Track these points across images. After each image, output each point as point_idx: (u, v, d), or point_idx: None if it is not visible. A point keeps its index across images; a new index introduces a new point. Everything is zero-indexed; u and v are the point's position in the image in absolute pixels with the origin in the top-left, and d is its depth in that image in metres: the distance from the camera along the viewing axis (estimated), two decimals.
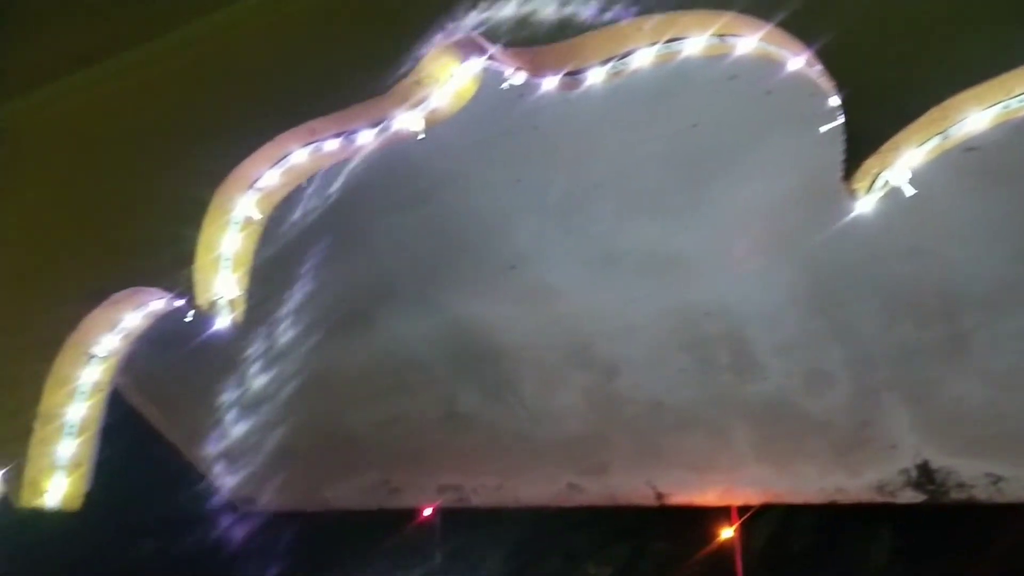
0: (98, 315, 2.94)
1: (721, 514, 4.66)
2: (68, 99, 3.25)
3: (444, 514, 5.43)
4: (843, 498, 4.05)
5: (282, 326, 4.01)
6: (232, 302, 2.78)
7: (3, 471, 2.88)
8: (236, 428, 5.37)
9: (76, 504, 2.94)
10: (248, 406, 5.13)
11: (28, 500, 2.84)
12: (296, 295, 3.53)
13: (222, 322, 2.78)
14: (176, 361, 3.80)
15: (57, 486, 2.90)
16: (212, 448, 5.54)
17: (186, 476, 5.74)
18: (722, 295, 3.67)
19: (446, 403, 4.59)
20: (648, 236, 3.52)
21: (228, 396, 5.16)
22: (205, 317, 2.76)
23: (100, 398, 3.05)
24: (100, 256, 2.96)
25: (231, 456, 5.55)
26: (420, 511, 5.44)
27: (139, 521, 5.59)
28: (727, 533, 4.64)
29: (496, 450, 4.70)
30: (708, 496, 4.52)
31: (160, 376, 5.01)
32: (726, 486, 4.41)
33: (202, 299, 2.73)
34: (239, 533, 6.10)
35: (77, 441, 2.97)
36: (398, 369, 4.50)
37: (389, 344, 4.38)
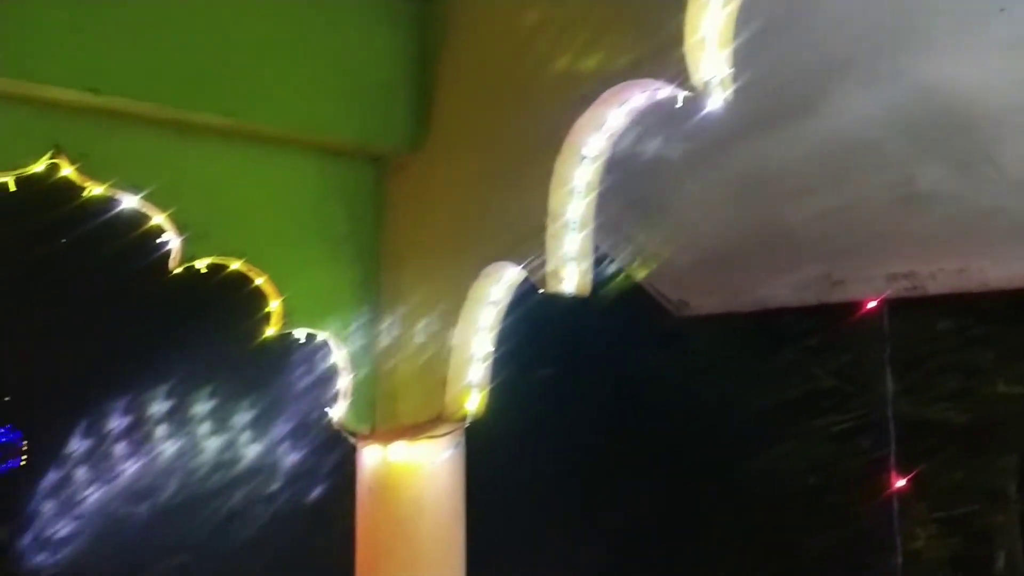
0: (588, 116, 3.10)
1: None
2: None
3: (891, 305, 5.22)
4: None
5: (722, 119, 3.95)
6: (723, 81, 2.77)
7: (525, 262, 3.25)
8: (667, 231, 5.52)
9: (587, 290, 3.23)
10: (681, 206, 5.22)
11: (551, 287, 3.18)
12: (739, 83, 3.43)
13: (714, 102, 2.79)
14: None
15: (570, 275, 3.21)
16: (645, 254, 5.78)
17: (621, 284, 6.09)
18: None
19: (901, 184, 4.30)
20: None
21: (658, 197, 5.24)
22: (698, 99, 2.78)
23: (592, 197, 3.26)
24: (586, 59, 3.10)
25: (664, 261, 5.75)
26: (864, 303, 5.28)
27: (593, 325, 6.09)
28: None
29: (961, 229, 4.35)
30: None
31: None
32: None
33: (696, 79, 2.75)
34: (674, 338, 6.39)
35: (580, 236, 3.24)
36: (845, 154, 4.27)
37: (835, 128, 4.15)
